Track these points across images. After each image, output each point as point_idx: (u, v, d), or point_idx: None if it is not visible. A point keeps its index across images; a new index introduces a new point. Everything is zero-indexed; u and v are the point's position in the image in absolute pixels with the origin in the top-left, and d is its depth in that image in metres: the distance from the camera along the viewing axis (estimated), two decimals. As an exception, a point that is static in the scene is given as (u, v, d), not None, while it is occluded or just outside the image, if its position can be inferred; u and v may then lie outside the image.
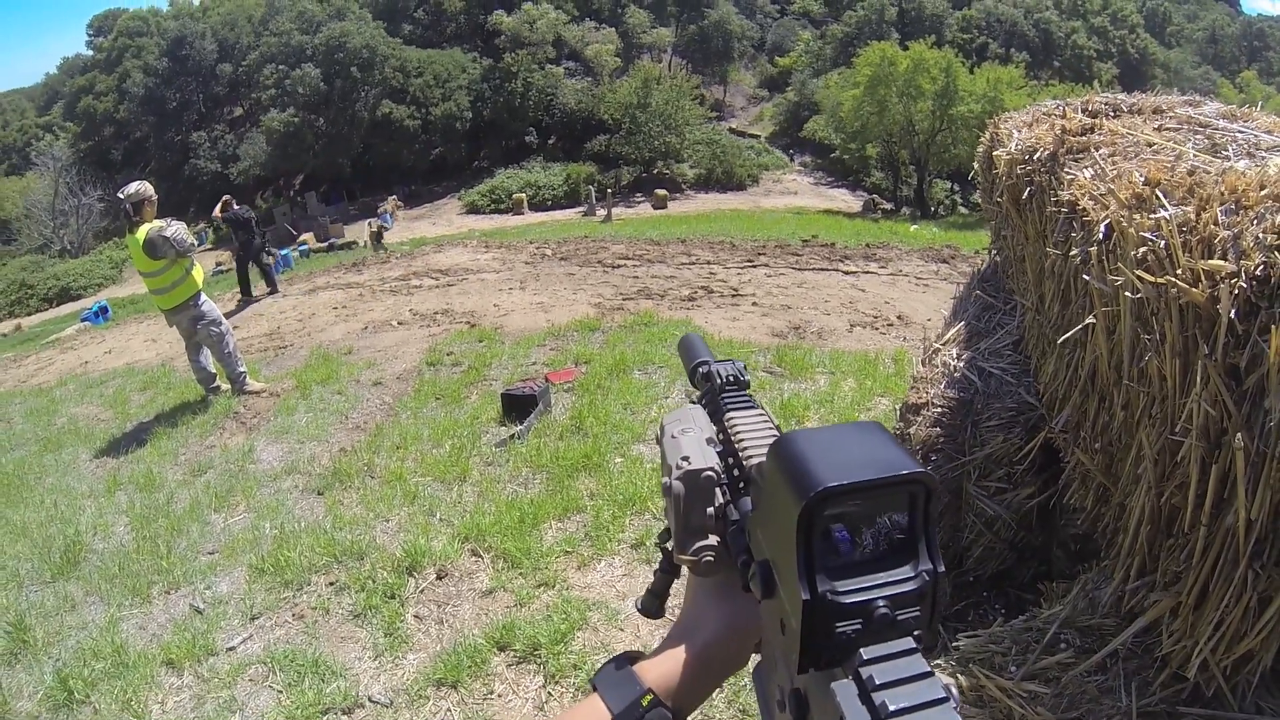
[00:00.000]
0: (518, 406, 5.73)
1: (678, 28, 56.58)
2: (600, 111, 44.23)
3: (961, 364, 2.68)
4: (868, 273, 11.57)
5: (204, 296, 6.77)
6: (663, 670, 0.73)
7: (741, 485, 0.74)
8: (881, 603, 0.50)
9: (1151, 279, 1.21)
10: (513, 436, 5.35)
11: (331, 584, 3.91)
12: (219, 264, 25.05)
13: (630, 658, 0.76)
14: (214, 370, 7.08)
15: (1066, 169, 1.89)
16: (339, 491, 4.91)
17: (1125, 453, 1.42)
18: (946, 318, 3.37)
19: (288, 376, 7.56)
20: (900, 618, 0.50)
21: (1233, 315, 1.07)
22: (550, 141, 47.78)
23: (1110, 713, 1.30)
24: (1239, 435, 1.07)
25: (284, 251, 21.98)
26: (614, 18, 54.46)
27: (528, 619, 3.44)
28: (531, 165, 44.68)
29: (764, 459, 0.63)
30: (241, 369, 7.05)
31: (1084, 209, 1.62)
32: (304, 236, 34.10)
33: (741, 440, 0.76)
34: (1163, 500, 1.26)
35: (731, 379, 0.88)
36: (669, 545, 0.79)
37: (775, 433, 0.77)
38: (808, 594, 0.50)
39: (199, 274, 6.73)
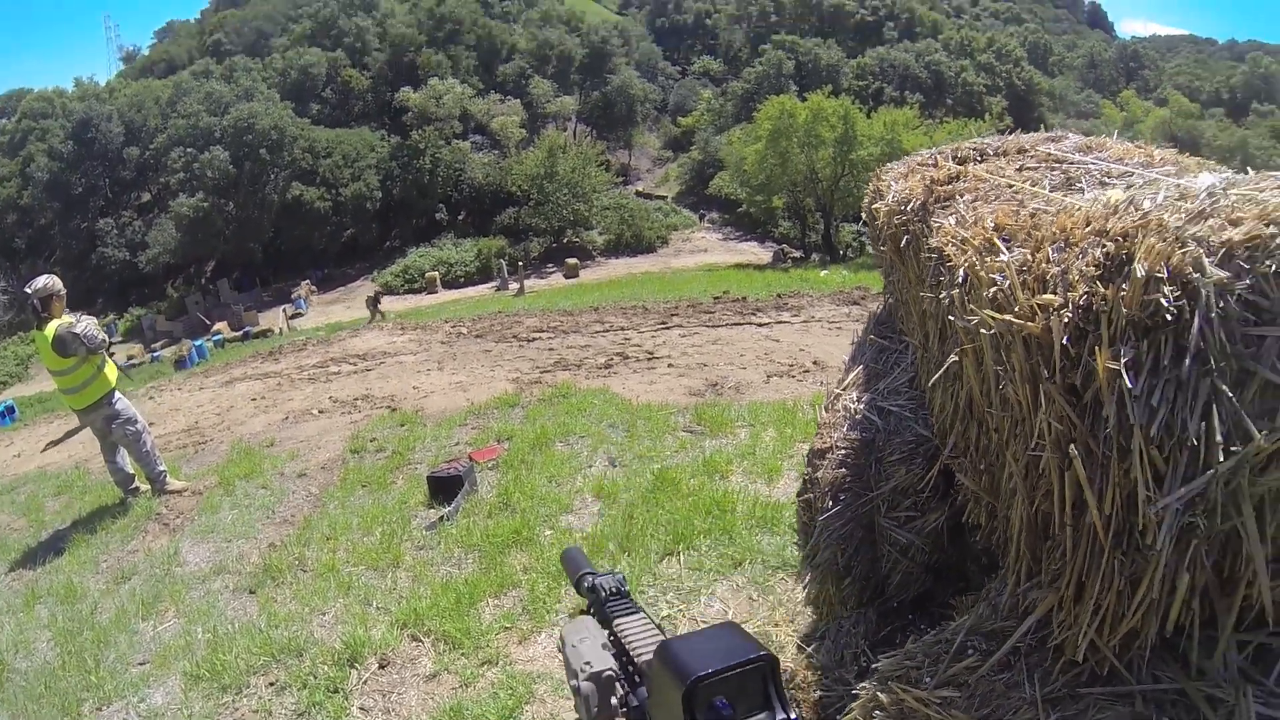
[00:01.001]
0: (444, 488, 5.74)
1: (581, 95, 57.84)
2: (508, 184, 44.58)
3: (862, 406, 2.85)
4: (780, 322, 11.92)
5: (118, 394, 6.59)
6: None
7: (637, 678, 0.93)
8: None
9: (999, 316, 1.38)
10: (442, 518, 5.36)
11: (272, 684, 3.82)
12: (130, 358, 24.20)
13: None
14: (132, 471, 6.85)
15: (935, 217, 2.09)
16: (271, 588, 4.82)
17: (1001, 471, 1.58)
18: (846, 363, 3.55)
19: (209, 473, 7.39)
20: None
21: (1065, 342, 1.24)
22: (460, 217, 48.05)
23: (1018, 704, 1.42)
24: (1071, 446, 1.24)
25: (198, 342, 21.47)
26: (519, 89, 55.58)
27: (474, 699, 3.44)
28: (443, 242, 44.75)
29: (652, 656, 0.85)
30: (161, 468, 6.84)
31: (949, 255, 1.80)
32: (218, 326, 33.26)
33: (631, 642, 0.96)
34: (1035, 509, 1.41)
35: (614, 590, 1.09)
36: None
37: (656, 632, 0.99)
38: None
39: (111, 371, 6.56)
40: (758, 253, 42.13)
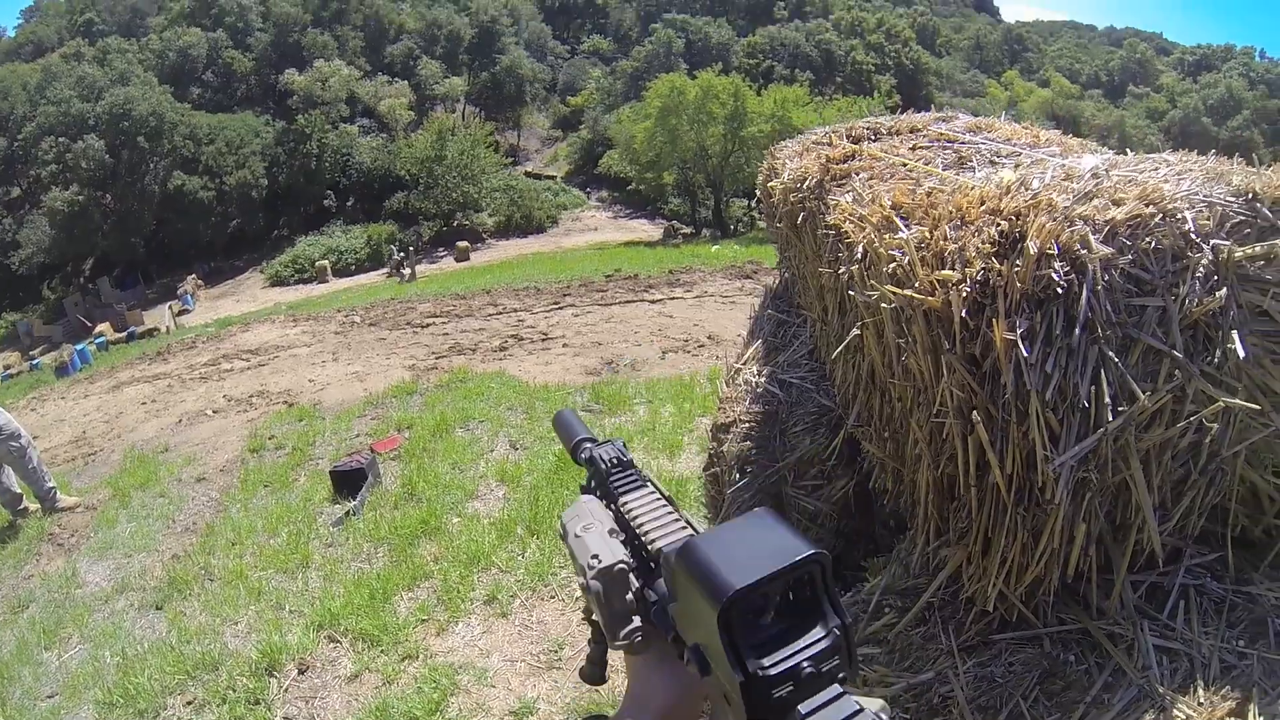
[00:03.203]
0: (348, 482, 5.63)
1: (470, 76, 56.51)
2: (397, 168, 43.39)
3: (763, 379, 2.93)
4: (674, 299, 12.04)
5: None
6: None
7: (652, 565, 0.80)
8: (806, 664, 0.59)
9: (899, 291, 1.45)
10: (348, 513, 5.27)
11: (189, 703, 3.68)
12: (7, 368, 22.43)
13: None
14: (19, 490, 6.41)
15: (832, 195, 2.16)
16: (179, 602, 4.62)
17: (906, 437, 1.66)
18: (744, 337, 3.64)
19: (102, 485, 7.01)
20: (825, 669, 0.59)
21: (964, 315, 1.31)
22: (349, 204, 46.42)
23: (935, 655, 1.52)
24: (974, 412, 1.32)
25: (80, 347, 20.06)
26: (407, 70, 53.94)
27: (399, 695, 3.41)
28: (332, 230, 43.20)
29: (667, 538, 0.76)
30: (50, 484, 6.44)
31: (847, 232, 1.87)
32: (100, 327, 31.00)
33: (641, 525, 0.83)
34: (940, 472, 1.49)
35: (615, 462, 0.95)
36: (594, 618, 0.87)
37: (668, 509, 0.85)
38: (742, 676, 0.59)
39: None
40: (648, 230, 42.21)
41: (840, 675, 0.60)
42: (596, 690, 3.14)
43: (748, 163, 37.69)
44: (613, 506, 0.89)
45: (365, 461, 5.75)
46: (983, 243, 1.32)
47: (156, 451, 7.73)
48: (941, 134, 2.34)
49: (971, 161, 2.13)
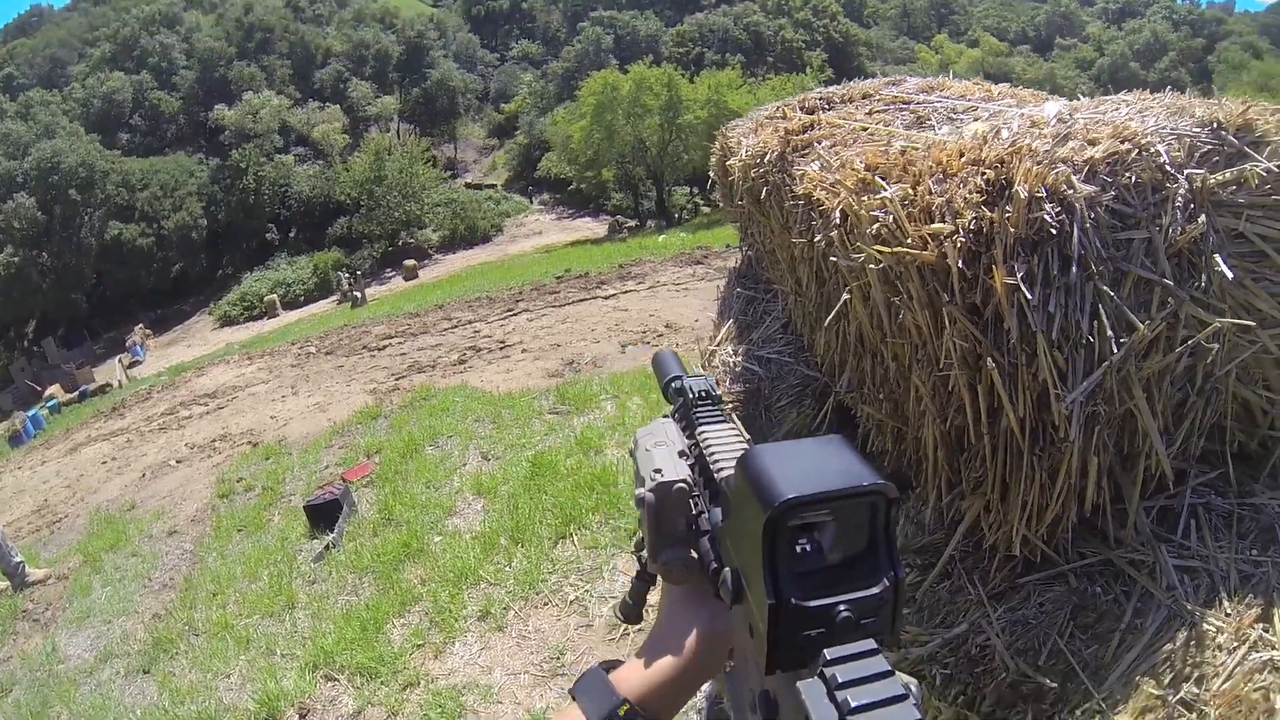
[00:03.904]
0: (323, 515, 5.54)
1: (401, 94, 56.31)
2: (337, 193, 43.19)
3: (740, 358, 2.93)
4: (626, 292, 12.00)
5: None
6: (640, 678, 0.75)
7: (714, 496, 0.76)
8: (844, 608, 0.54)
9: (888, 250, 1.45)
10: (327, 547, 5.17)
11: (191, 766, 3.57)
12: None
13: (609, 666, 0.78)
14: (-13, 571, 6.20)
15: (796, 166, 2.16)
16: (166, 662, 4.48)
17: (906, 395, 1.67)
18: (715, 319, 3.64)
19: (71, 553, 6.80)
20: (863, 622, 0.54)
21: (961, 265, 1.32)
22: (292, 235, 46.02)
23: (965, 606, 1.53)
24: (989, 359, 1.32)
25: (31, 413, 19.33)
26: (337, 94, 53.63)
27: (407, 725, 3.35)
28: (277, 263, 42.84)
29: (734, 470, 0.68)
30: (17, 559, 6.25)
31: (819, 199, 1.87)
32: (50, 390, 29.82)
33: (713, 453, 0.79)
34: (948, 425, 1.50)
35: (703, 394, 0.91)
36: (643, 554, 0.83)
37: (746, 445, 0.78)
38: (773, 599, 0.54)
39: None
40: (593, 228, 42.21)
41: (879, 633, 0.54)
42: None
43: (686, 150, 37.95)
44: (691, 435, 0.86)
45: (338, 492, 5.64)
46: (970, 193, 1.33)
47: (123, 510, 7.52)
48: (896, 97, 2.36)
49: (930, 120, 2.15)
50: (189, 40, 54.07)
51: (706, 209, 42.65)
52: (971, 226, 1.30)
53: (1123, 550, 1.49)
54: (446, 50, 62.41)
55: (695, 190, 44.98)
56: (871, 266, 1.55)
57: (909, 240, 1.39)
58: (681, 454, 0.82)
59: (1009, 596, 1.51)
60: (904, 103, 2.29)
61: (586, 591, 4.00)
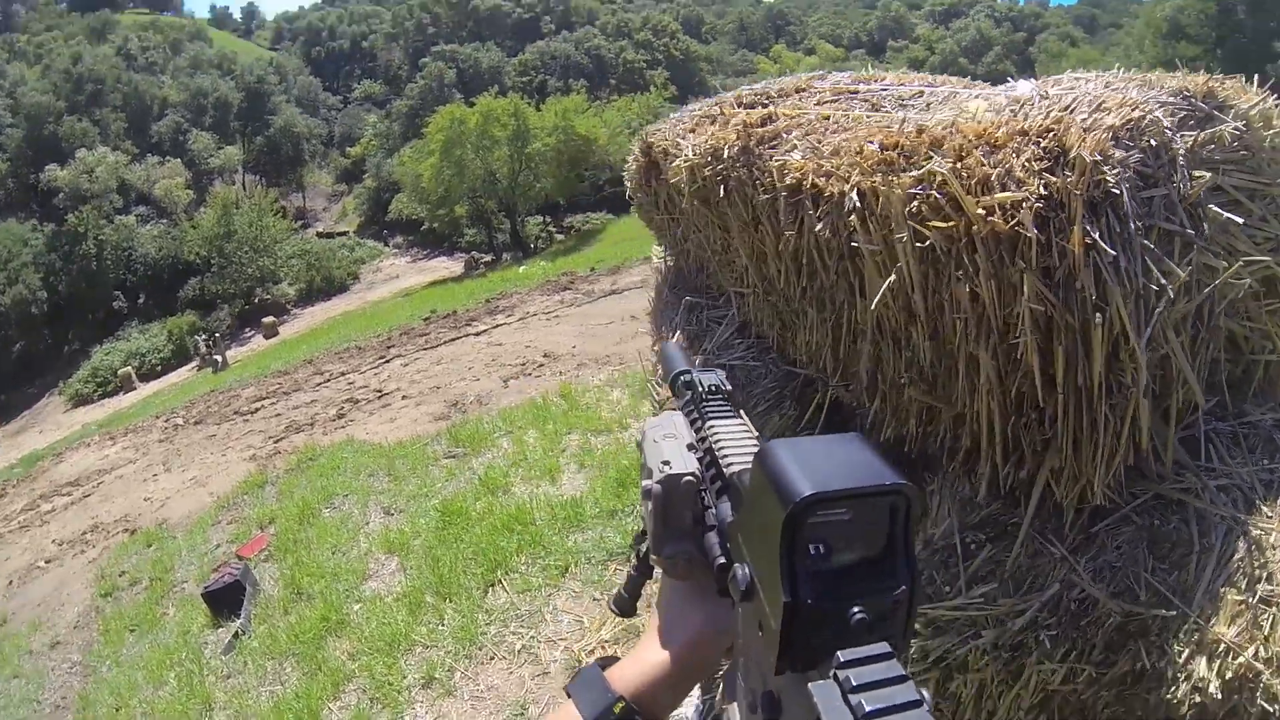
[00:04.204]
0: (225, 600, 5.17)
1: (245, 143, 54.44)
2: (185, 253, 41.06)
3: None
4: (498, 326, 11.88)
5: None
6: (636, 675, 0.75)
7: (721, 491, 0.74)
8: (859, 610, 0.53)
9: (943, 225, 1.51)
10: (236, 635, 4.82)
11: None
12: None
13: (605, 663, 0.77)
14: None
15: (766, 159, 2.19)
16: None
17: (947, 373, 1.73)
18: (651, 334, 3.61)
19: (-62, 689, 5.96)
20: (876, 625, 0.53)
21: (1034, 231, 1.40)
22: (141, 301, 43.47)
23: (1049, 567, 1.60)
24: (1064, 318, 1.41)
25: None
26: (177, 147, 51.27)
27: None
28: (129, 333, 40.26)
29: (745, 466, 0.69)
30: None
31: (816, 185, 1.91)
32: None
33: (722, 447, 0.78)
34: (1013, 391, 1.58)
35: (713, 388, 0.89)
36: (644, 547, 0.82)
37: (756, 441, 0.80)
38: (789, 597, 0.53)
39: None
40: (449, 266, 41.74)
41: (891, 636, 0.53)
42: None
43: (538, 179, 38.21)
44: (699, 429, 0.84)
45: (238, 572, 5.29)
46: (1028, 161, 1.41)
47: (-7, 627, 6.76)
48: (838, 88, 2.46)
49: (885, 106, 2.25)
50: (14, 95, 50.08)
51: (560, 236, 42.94)
52: (1042, 191, 1.38)
53: (1166, 483, 1.61)
54: (288, 95, 60.92)
55: (548, 219, 45.19)
56: (915, 244, 1.60)
57: (971, 212, 1.45)
58: (690, 447, 0.82)
59: (1086, 547, 1.59)
60: (850, 93, 2.38)
61: (532, 638, 3.86)
